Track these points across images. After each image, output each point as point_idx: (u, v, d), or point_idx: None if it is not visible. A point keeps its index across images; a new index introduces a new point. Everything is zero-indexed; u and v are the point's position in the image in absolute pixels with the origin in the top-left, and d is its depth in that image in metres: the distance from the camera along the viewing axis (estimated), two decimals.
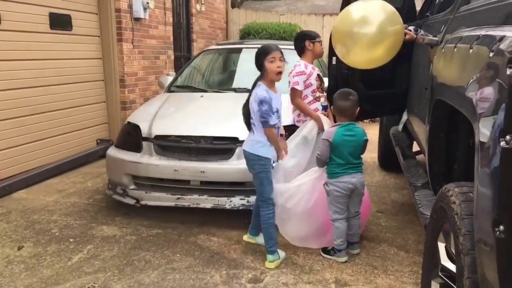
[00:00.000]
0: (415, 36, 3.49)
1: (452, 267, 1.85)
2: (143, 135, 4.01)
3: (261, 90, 3.10)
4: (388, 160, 5.23)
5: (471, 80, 1.72)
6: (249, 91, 3.21)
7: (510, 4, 1.79)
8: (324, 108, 3.68)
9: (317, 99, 3.70)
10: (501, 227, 1.35)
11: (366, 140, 3.26)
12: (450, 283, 1.86)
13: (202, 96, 4.81)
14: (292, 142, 3.47)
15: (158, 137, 3.96)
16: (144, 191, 3.92)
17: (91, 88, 6.17)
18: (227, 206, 3.73)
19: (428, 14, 3.83)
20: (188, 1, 8.80)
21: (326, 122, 3.52)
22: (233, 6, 11.67)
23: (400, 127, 4.52)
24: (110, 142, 5.86)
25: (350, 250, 3.29)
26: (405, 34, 3.42)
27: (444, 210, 1.91)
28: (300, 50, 3.79)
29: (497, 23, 1.82)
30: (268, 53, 3.10)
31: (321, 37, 3.92)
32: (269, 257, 3.15)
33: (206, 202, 3.76)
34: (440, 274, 1.97)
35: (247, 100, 3.20)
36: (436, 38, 2.74)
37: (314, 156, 3.35)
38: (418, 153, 4.13)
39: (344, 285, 2.89)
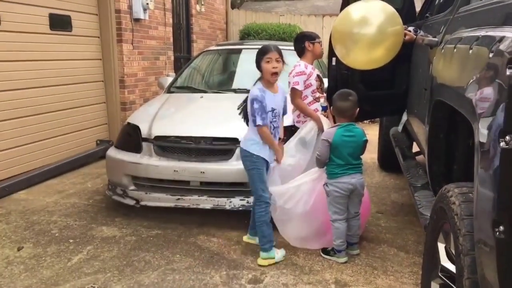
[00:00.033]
0: (415, 36, 3.49)
1: (452, 267, 1.85)
2: (143, 136, 4.01)
3: (255, 89, 3.14)
4: (388, 161, 5.23)
5: (471, 81, 1.72)
6: (249, 92, 3.23)
7: (510, 4, 1.79)
8: (324, 108, 3.68)
9: (316, 99, 3.70)
10: (501, 228, 1.35)
11: (366, 141, 3.26)
12: (450, 283, 1.86)
13: (202, 97, 4.81)
14: (291, 143, 3.49)
15: (158, 138, 3.96)
16: (144, 192, 3.92)
17: (91, 89, 6.17)
18: (227, 207, 3.73)
19: (427, 15, 3.83)
20: (188, 2, 8.81)
21: (326, 122, 3.52)
22: (233, 7, 11.68)
23: (400, 127, 4.52)
24: (110, 143, 5.86)
25: (350, 250, 3.29)
26: (405, 35, 3.43)
27: (444, 210, 1.91)
28: (300, 51, 3.79)
29: (497, 23, 1.82)
30: (264, 53, 3.14)
31: (320, 38, 3.93)
32: (262, 254, 3.17)
33: (206, 202, 3.76)
34: (440, 274, 1.97)
35: (244, 100, 3.24)
36: (436, 39, 2.74)
37: (314, 156, 3.35)
38: (418, 153, 4.13)
39: (344, 286, 2.89)
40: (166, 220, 3.92)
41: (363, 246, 3.44)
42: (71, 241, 3.55)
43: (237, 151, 3.69)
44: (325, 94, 3.84)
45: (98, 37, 6.30)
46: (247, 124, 3.26)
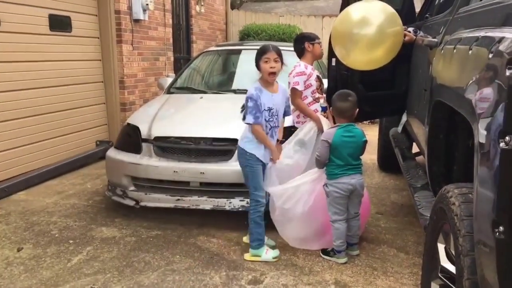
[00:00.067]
0: (415, 37, 3.49)
1: (451, 268, 1.85)
2: (143, 137, 4.01)
3: (251, 88, 3.19)
4: (388, 162, 5.23)
5: (471, 81, 1.72)
6: None
7: (509, 5, 1.80)
8: (324, 109, 3.69)
9: (316, 100, 3.71)
10: (501, 228, 1.35)
11: (366, 141, 3.26)
12: (450, 284, 1.86)
13: (201, 98, 4.81)
14: (289, 143, 3.49)
15: (157, 139, 3.96)
16: (143, 193, 3.92)
17: (91, 90, 6.17)
18: (227, 207, 3.73)
19: (427, 15, 3.83)
20: (187, 3, 8.81)
21: (326, 123, 3.52)
22: (232, 8, 11.68)
23: (400, 128, 4.52)
24: (109, 144, 5.86)
25: (350, 251, 3.29)
26: (405, 35, 3.43)
27: (444, 211, 1.91)
28: (300, 52, 3.80)
29: (496, 24, 1.82)
30: (263, 53, 3.17)
31: (320, 38, 3.93)
32: (250, 250, 3.25)
33: (206, 203, 3.76)
34: (439, 275, 1.97)
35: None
36: (436, 40, 2.75)
37: (313, 157, 3.35)
38: (417, 154, 4.13)
39: (343, 286, 2.89)
40: (166, 220, 3.92)
41: (363, 246, 3.44)
42: (70, 241, 3.55)
43: (237, 151, 3.69)
44: (324, 95, 3.85)
45: (98, 38, 6.30)
46: None
